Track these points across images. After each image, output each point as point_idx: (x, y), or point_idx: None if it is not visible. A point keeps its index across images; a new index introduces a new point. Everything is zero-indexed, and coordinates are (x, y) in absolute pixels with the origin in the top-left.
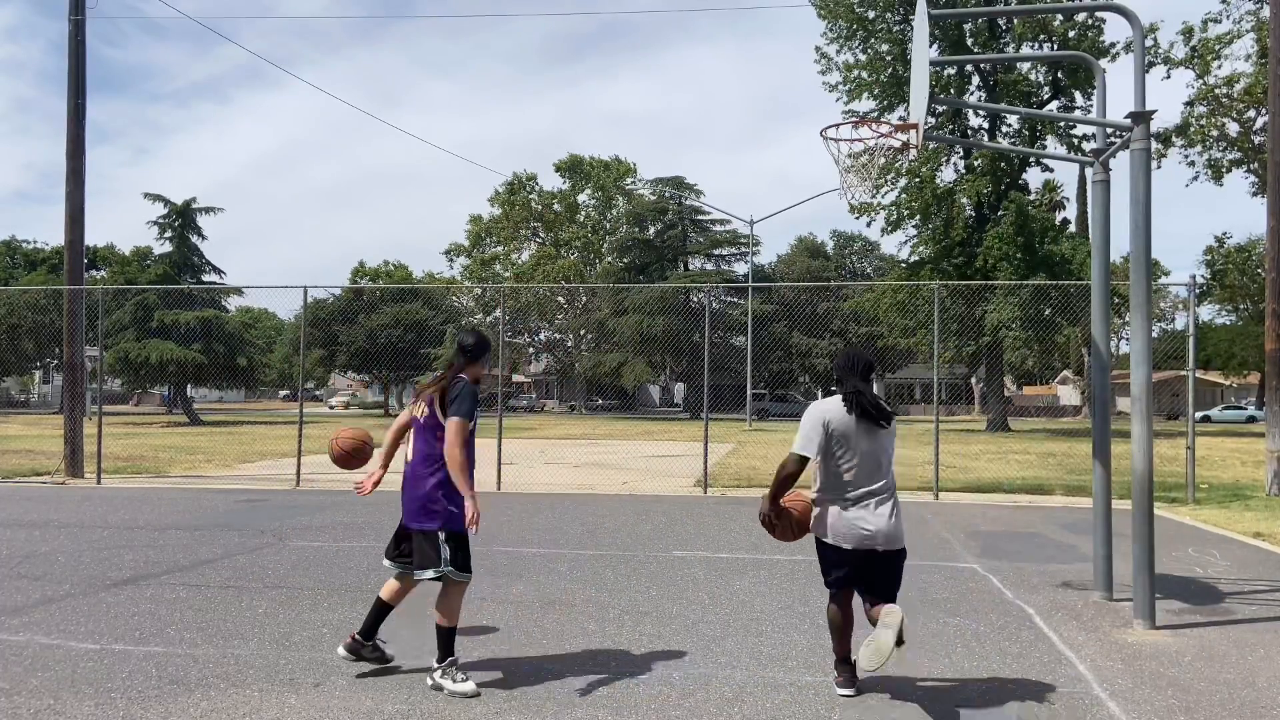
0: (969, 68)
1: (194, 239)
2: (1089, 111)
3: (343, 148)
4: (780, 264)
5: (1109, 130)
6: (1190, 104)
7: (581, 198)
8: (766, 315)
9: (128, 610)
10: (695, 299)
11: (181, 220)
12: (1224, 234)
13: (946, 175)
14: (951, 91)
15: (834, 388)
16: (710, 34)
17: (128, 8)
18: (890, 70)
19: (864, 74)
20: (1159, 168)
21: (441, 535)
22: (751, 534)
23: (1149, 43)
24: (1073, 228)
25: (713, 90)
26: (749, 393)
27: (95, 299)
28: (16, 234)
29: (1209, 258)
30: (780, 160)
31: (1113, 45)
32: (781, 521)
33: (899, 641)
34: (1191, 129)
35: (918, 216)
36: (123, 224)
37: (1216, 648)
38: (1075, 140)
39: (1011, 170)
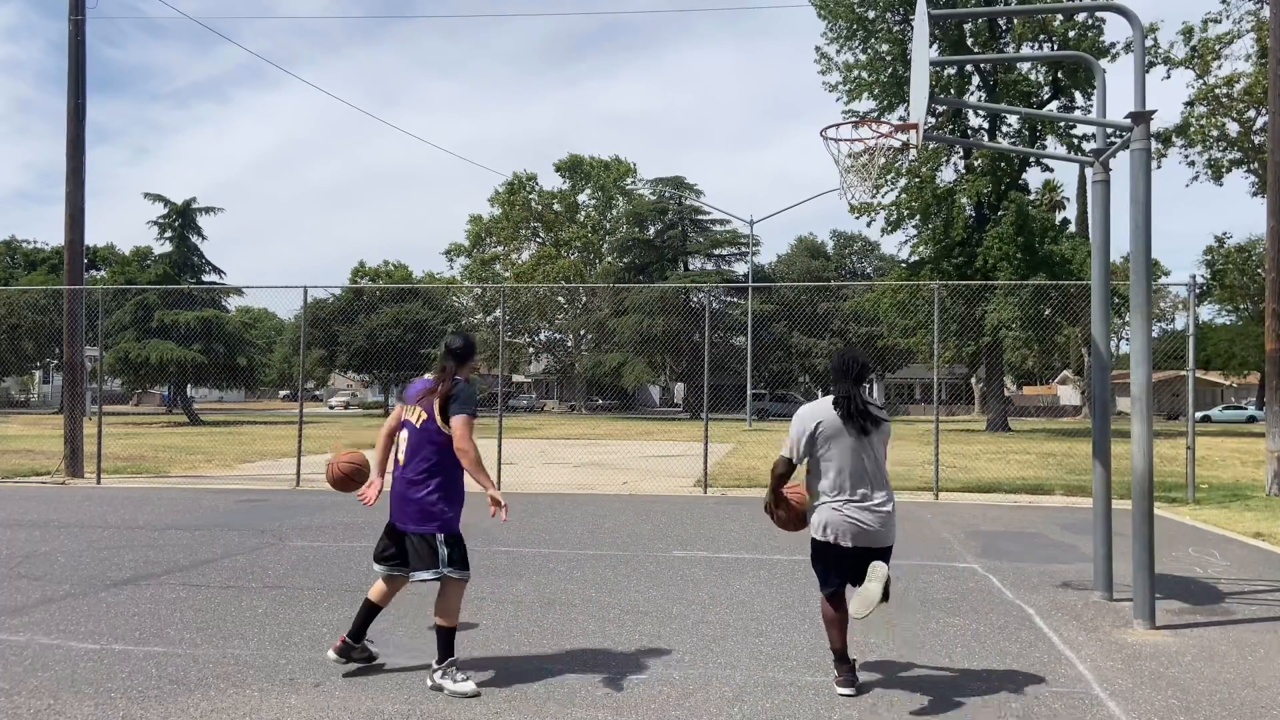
0: (969, 68)
1: (194, 239)
2: (1089, 111)
3: (343, 148)
4: (780, 264)
5: (1109, 130)
6: (1190, 104)
7: (581, 198)
8: (766, 315)
9: (128, 610)
10: (695, 299)
11: (181, 220)
12: (1224, 234)
13: (946, 175)
14: (951, 91)
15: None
16: (710, 34)
17: (128, 8)
18: (890, 70)
19: (864, 74)
20: (1159, 168)
21: (440, 537)
22: (751, 534)
23: (1149, 43)
24: (1073, 228)
25: (713, 90)
26: (749, 393)
27: (95, 299)
28: (16, 234)
29: (1209, 258)
30: (780, 160)
31: (1113, 45)
32: (781, 509)
33: (885, 596)
34: (1191, 129)
35: (918, 216)
36: (123, 224)
37: (1216, 648)
38: (1075, 140)
39: (1011, 170)
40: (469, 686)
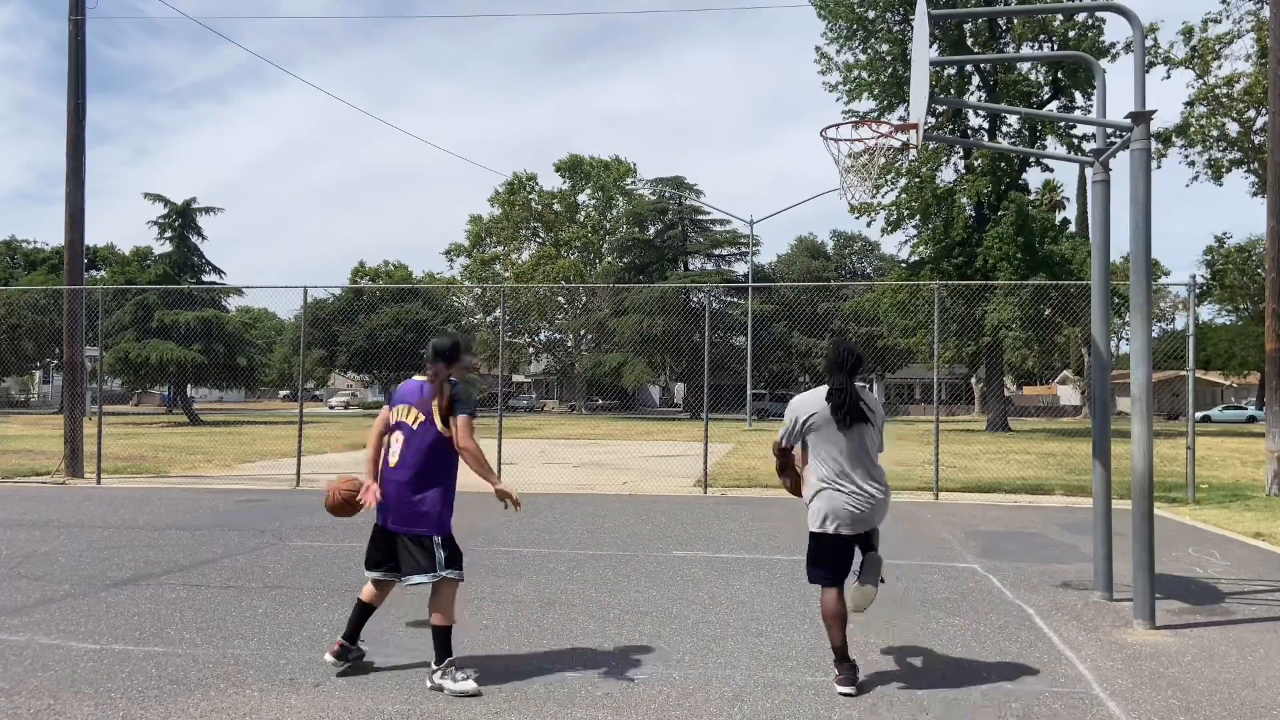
0: (969, 68)
1: (194, 239)
2: (1089, 111)
3: (343, 148)
4: (780, 264)
5: (1109, 130)
6: (1190, 104)
7: (581, 198)
8: (766, 315)
9: (128, 610)
10: (695, 299)
11: (181, 220)
12: (1224, 234)
13: (946, 175)
14: (951, 91)
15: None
16: (710, 34)
17: (128, 8)
18: (890, 70)
19: (864, 74)
20: (1159, 168)
21: (437, 540)
22: (751, 534)
23: (1149, 43)
24: (1073, 228)
25: (713, 90)
26: (749, 393)
27: (95, 299)
28: (16, 234)
29: (1209, 258)
30: (780, 160)
31: (1113, 45)
32: (788, 474)
33: (880, 580)
34: (1191, 129)
35: (918, 216)
36: (123, 224)
37: (1216, 648)
38: (1075, 140)
39: (1011, 170)
40: (470, 685)
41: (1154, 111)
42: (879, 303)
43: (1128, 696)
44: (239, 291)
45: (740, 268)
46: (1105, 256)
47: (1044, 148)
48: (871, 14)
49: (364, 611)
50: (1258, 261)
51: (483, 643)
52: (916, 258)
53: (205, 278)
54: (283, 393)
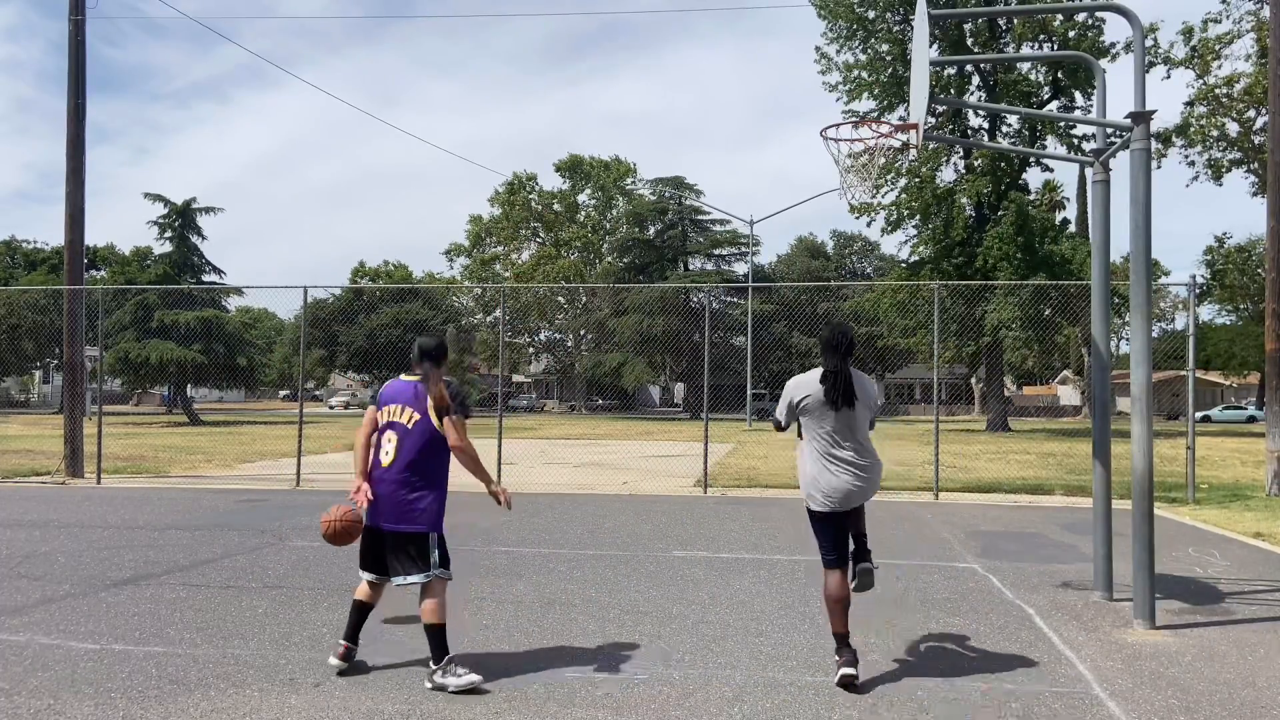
0: (969, 68)
1: (194, 239)
2: (1089, 111)
3: (343, 148)
4: (780, 264)
5: (1109, 130)
6: (1190, 104)
7: (581, 198)
8: (766, 315)
9: (128, 610)
10: (695, 299)
11: (181, 220)
12: (1224, 234)
13: (946, 175)
14: (951, 91)
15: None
16: (710, 34)
17: (128, 8)
18: (890, 70)
19: (864, 74)
20: (1159, 168)
21: (433, 537)
22: (751, 534)
23: (1149, 43)
24: (1073, 228)
25: (713, 90)
26: (749, 393)
27: (95, 299)
28: (16, 234)
29: (1209, 258)
30: (780, 160)
31: (1113, 45)
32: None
33: (870, 585)
34: (1191, 129)
35: (918, 216)
36: (123, 224)
37: (1216, 648)
38: (1075, 140)
39: (1011, 170)
40: (472, 678)
41: (1154, 111)
42: (879, 303)
43: (1128, 696)
44: (239, 291)
45: (740, 268)
46: (1105, 256)
47: (1044, 148)
48: (871, 14)
49: (362, 612)
50: (1258, 261)
51: (483, 643)
52: (916, 258)
53: (205, 278)
54: (283, 393)
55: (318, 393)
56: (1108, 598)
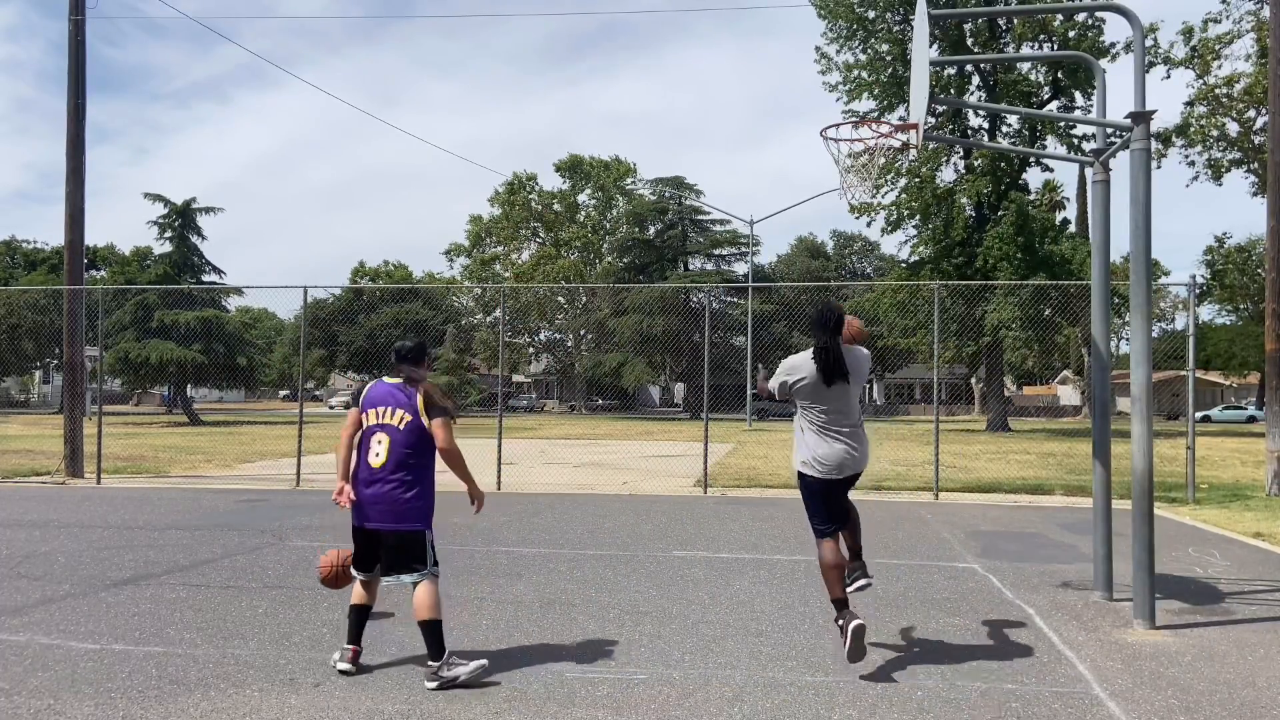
0: (969, 68)
1: (194, 239)
2: (1089, 111)
3: (343, 148)
4: (780, 264)
5: (1109, 130)
6: (1190, 104)
7: (581, 198)
8: (766, 315)
9: (128, 610)
10: (695, 299)
11: (181, 220)
12: (1224, 234)
13: (946, 175)
14: (951, 91)
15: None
16: (710, 34)
17: (128, 8)
18: (890, 70)
19: (864, 74)
20: (1159, 168)
21: (428, 535)
22: (751, 534)
23: (1149, 43)
24: (1073, 228)
25: (713, 90)
26: (749, 393)
27: (95, 299)
28: (16, 234)
29: (1209, 258)
30: (780, 160)
31: (1113, 45)
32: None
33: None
34: (1191, 129)
35: (918, 216)
36: (123, 224)
37: (1216, 648)
38: (1075, 140)
39: (1011, 170)
40: (477, 663)
41: (1154, 111)
42: (879, 303)
43: (1128, 696)
44: (239, 291)
45: (740, 268)
46: (1105, 256)
47: (1044, 148)
48: (871, 14)
49: (362, 613)
50: (1258, 261)
51: (483, 643)
52: (916, 258)
53: (205, 278)
54: (283, 393)
55: (318, 393)
56: (1108, 598)
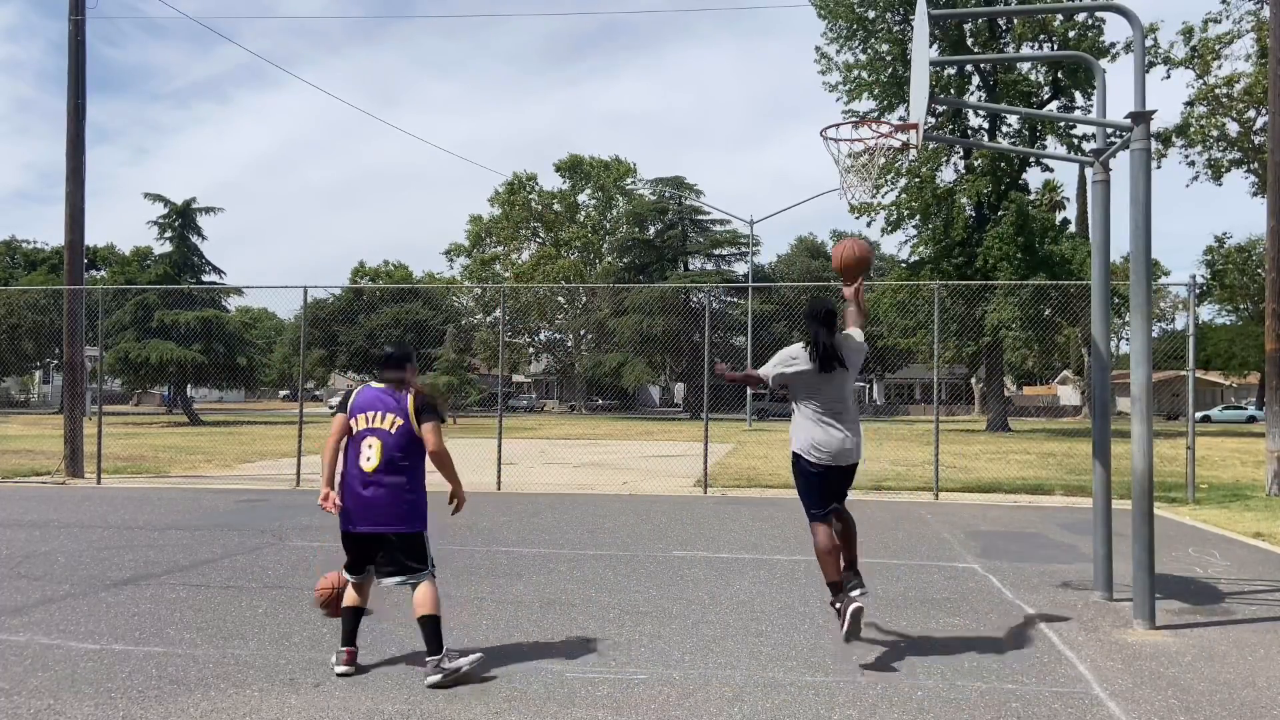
0: (969, 68)
1: (194, 239)
2: (1089, 111)
3: (343, 148)
4: (780, 264)
5: (1109, 130)
6: (1190, 104)
7: (581, 198)
8: (766, 315)
9: (128, 610)
10: (695, 299)
11: (181, 220)
12: (1224, 234)
13: (946, 175)
14: (951, 91)
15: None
16: (710, 34)
17: (128, 8)
18: (890, 70)
19: (864, 74)
20: (1159, 168)
21: (425, 535)
22: (751, 534)
23: (1149, 43)
24: (1073, 228)
25: (713, 90)
26: (749, 393)
27: (95, 299)
28: (16, 234)
29: (1209, 258)
30: (780, 160)
31: (1113, 45)
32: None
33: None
34: (1191, 129)
35: (918, 216)
36: (123, 224)
37: (1216, 648)
38: (1075, 140)
39: (1011, 170)
40: (475, 655)
41: (1154, 111)
42: (879, 303)
43: (1128, 696)
44: (239, 291)
45: (740, 268)
46: (1105, 256)
47: (1044, 148)
48: (871, 14)
49: (356, 615)
50: (1258, 261)
51: (483, 643)
52: (916, 258)
53: (205, 278)
54: (283, 393)
55: (318, 393)
56: (1108, 598)
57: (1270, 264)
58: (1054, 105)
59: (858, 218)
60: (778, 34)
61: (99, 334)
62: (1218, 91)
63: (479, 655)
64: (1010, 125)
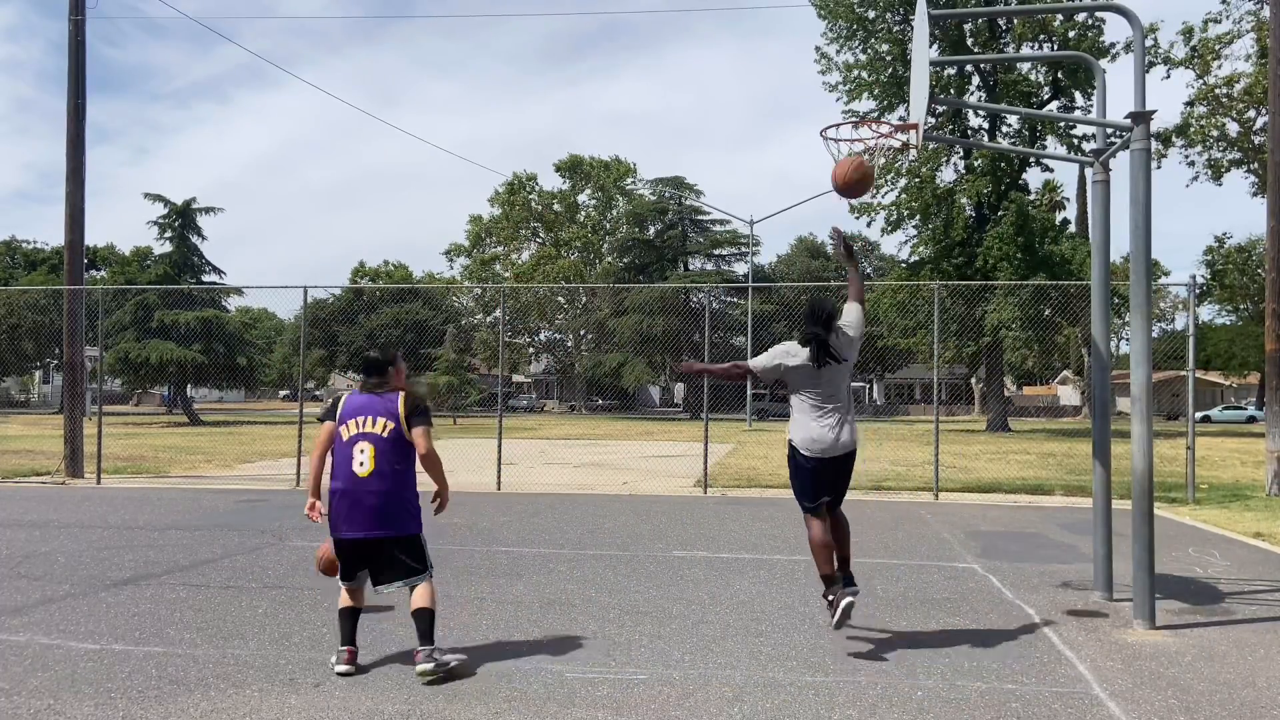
0: (969, 68)
1: (194, 239)
2: (1089, 111)
3: (343, 148)
4: (780, 264)
5: (1109, 130)
6: (1190, 104)
7: (581, 198)
8: (766, 315)
9: (128, 610)
10: (695, 299)
11: (181, 220)
12: (1224, 234)
13: (946, 175)
14: (951, 91)
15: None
16: (710, 34)
17: (128, 8)
18: (890, 70)
19: (864, 74)
20: (1159, 168)
21: (422, 535)
22: (751, 534)
23: (1149, 43)
24: (1073, 228)
25: (713, 90)
26: (749, 393)
27: (95, 299)
28: (16, 234)
29: (1209, 258)
30: (780, 160)
31: (1113, 45)
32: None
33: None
34: (1191, 129)
35: (918, 216)
36: (123, 224)
37: (1216, 648)
38: (1075, 140)
39: (1011, 170)
40: (459, 656)
41: (1154, 111)
42: (879, 303)
43: (1128, 696)
44: (239, 291)
45: (740, 268)
46: (1105, 256)
47: (1044, 148)
48: (871, 14)
49: (353, 616)
50: (1258, 261)
51: (483, 643)
52: (916, 258)
53: (205, 278)
54: (283, 393)
55: (318, 393)
56: (1108, 598)
57: (1270, 264)
58: (1054, 105)
59: (858, 218)
60: (778, 34)
61: (99, 334)
62: (1218, 91)
63: (463, 656)
64: (1010, 125)
